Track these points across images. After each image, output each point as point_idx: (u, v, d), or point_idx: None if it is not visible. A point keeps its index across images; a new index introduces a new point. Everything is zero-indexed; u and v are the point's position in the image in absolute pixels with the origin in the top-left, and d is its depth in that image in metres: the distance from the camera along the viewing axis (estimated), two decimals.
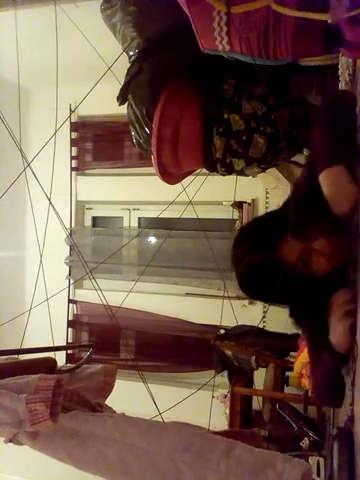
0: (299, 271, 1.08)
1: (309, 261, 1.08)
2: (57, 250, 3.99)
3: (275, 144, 2.08)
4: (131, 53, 2.21)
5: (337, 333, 1.06)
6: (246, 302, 3.88)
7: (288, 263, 1.06)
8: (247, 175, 2.32)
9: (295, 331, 2.01)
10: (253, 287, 1.17)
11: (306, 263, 1.08)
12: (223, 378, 3.27)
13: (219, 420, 2.95)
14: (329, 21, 1.02)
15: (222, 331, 3.43)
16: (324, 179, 1.04)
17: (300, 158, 2.56)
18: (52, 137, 2.11)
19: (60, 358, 1.39)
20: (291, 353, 3.00)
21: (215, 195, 3.68)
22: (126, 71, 2.21)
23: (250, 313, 3.76)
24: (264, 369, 3.18)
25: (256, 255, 1.10)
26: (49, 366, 1.27)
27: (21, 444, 1.20)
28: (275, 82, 2.08)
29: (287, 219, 1.06)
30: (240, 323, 3.07)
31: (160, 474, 1.07)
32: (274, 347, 3.01)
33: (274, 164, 2.30)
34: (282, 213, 1.14)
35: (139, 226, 4.40)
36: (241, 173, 2.28)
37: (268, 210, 3.67)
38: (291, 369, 2.86)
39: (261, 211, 3.81)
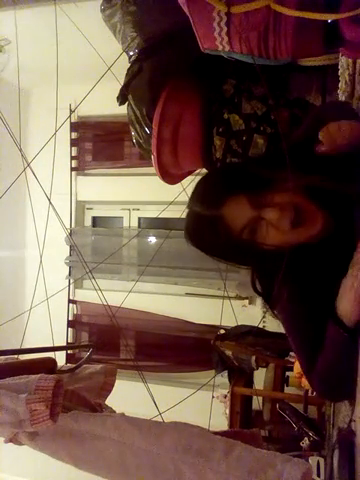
0: (247, 238, 0.94)
1: (257, 230, 0.94)
2: (57, 250, 4.00)
3: (275, 144, 2.08)
4: (131, 53, 2.20)
5: (347, 301, 0.90)
6: (246, 302, 3.89)
7: (233, 227, 0.94)
8: None
9: None
10: (194, 240, 1.04)
11: (253, 231, 0.94)
12: (223, 378, 3.27)
13: (219, 420, 2.95)
14: (329, 21, 1.02)
15: (222, 331, 3.43)
16: (332, 126, 0.95)
17: None
18: (52, 137, 2.11)
19: (60, 358, 1.39)
20: (291, 353, 3.00)
21: None
22: (126, 71, 2.21)
23: (250, 313, 3.77)
24: (264, 369, 3.18)
25: (201, 208, 0.98)
26: (49, 366, 1.26)
27: (21, 444, 1.20)
28: (275, 82, 2.08)
29: (251, 171, 0.94)
30: (240, 323, 3.08)
31: (160, 474, 1.07)
32: (274, 347, 3.01)
33: None
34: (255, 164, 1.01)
35: (139, 226, 4.41)
36: None
37: None
38: (291, 369, 2.86)
39: None
